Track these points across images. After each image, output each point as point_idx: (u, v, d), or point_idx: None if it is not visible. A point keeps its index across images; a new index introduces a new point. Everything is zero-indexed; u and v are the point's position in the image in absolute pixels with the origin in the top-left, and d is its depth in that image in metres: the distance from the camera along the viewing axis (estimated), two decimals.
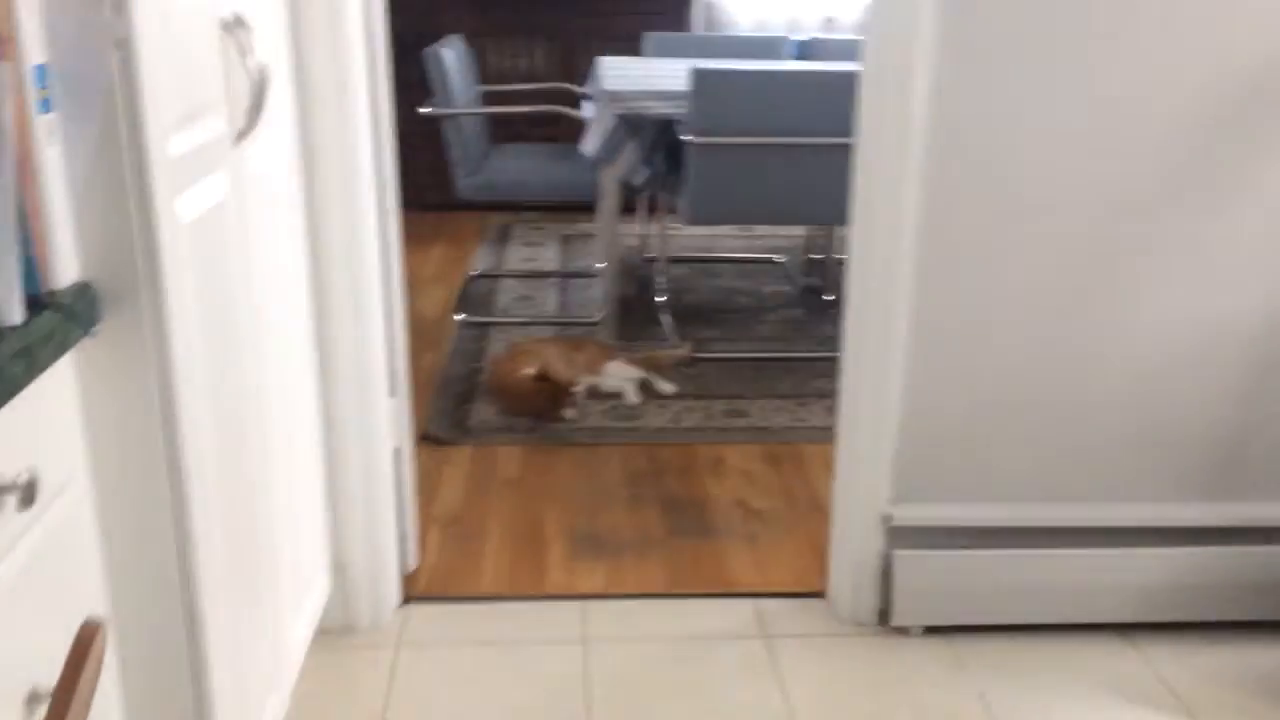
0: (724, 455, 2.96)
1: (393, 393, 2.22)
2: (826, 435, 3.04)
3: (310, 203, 1.94)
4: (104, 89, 1.14)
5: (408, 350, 2.31)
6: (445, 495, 2.72)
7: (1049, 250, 2.08)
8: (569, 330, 3.82)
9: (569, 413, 3.10)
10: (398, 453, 2.27)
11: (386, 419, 2.17)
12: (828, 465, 2.86)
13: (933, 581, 2.20)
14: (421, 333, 3.78)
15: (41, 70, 1.12)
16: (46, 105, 1.13)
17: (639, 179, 3.56)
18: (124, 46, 1.14)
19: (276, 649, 1.71)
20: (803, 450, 2.99)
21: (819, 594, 2.34)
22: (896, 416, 2.15)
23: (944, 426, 2.16)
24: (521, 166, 4.05)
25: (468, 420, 3.12)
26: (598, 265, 4.31)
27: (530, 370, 3.13)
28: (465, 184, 3.76)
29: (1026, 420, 2.17)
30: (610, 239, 3.71)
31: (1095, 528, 2.22)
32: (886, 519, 2.20)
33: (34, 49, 1.10)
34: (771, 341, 3.74)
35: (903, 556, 2.20)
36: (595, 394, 3.28)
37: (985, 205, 2.05)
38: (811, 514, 2.66)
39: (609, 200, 3.65)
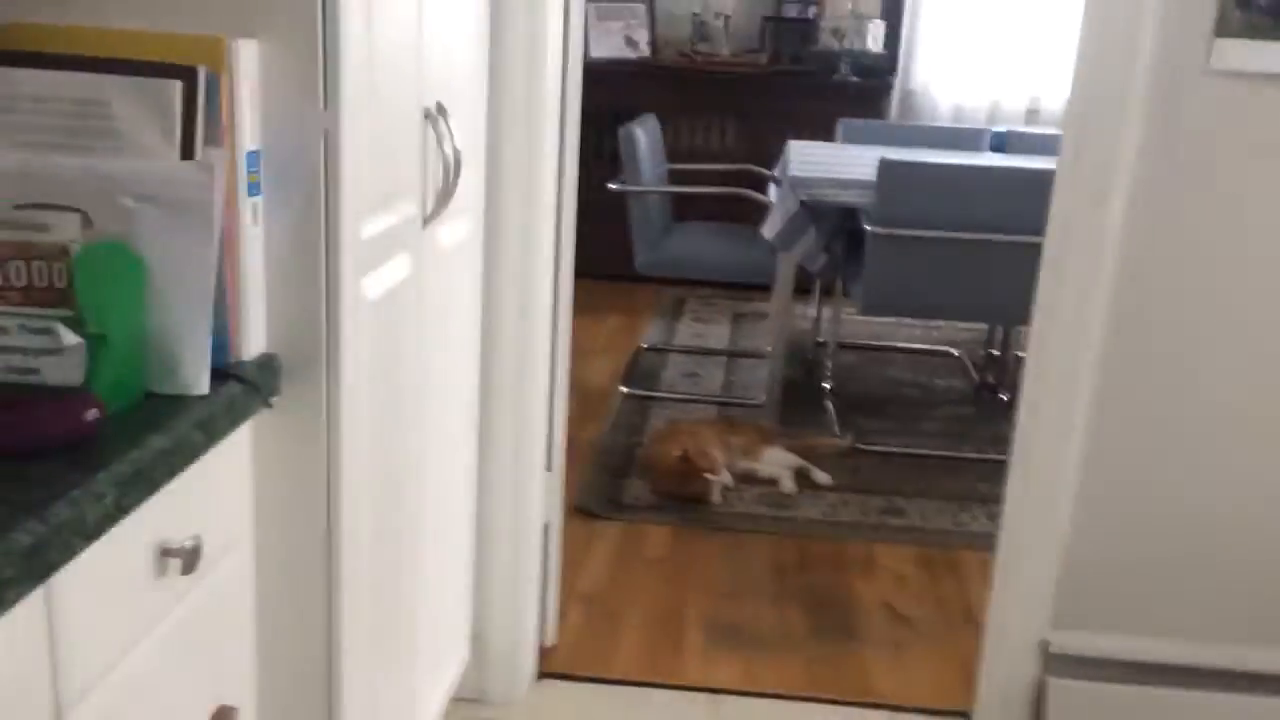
0: (876, 555, 2.89)
1: (549, 466, 2.26)
2: (987, 543, 2.94)
3: (487, 275, 2.01)
4: (309, 175, 1.22)
5: (567, 422, 2.35)
6: (590, 571, 2.75)
7: (1248, 369, 1.97)
8: (731, 410, 3.82)
9: (715, 497, 3.09)
10: (547, 527, 2.30)
11: (540, 493, 2.21)
12: (985, 576, 2.77)
13: (1091, 716, 2.09)
14: (585, 403, 3.85)
15: (253, 156, 1.21)
16: (255, 189, 1.22)
17: (816, 265, 3.55)
18: (331, 137, 1.21)
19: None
20: (960, 557, 2.89)
21: (964, 714, 2.25)
22: (1064, 533, 2.07)
23: (1116, 549, 2.07)
24: (701, 244, 4.10)
25: (621, 496, 3.15)
26: (767, 347, 4.30)
27: (677, 450, 3.13)
28: (645, 259, 3.82)
29: (1209, 551, 2.05)
30: (781, 322, 3.71)
31: (1275, 674, 2.07)
32: (1044, 644, 2.11)
33: (248, 136, 1.18)
34: (938, 439, 3.65)
35: (1059, 685, 2.09)
36: (750, 479, 3.26)
37: (1180, 317, 1.96)
38: (963, 627, 2.57)
39: (783, 283, 3.65)
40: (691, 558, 2.83)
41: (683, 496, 3.09)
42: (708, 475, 3.07)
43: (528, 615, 2.23)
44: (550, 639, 2.40)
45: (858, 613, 2.61)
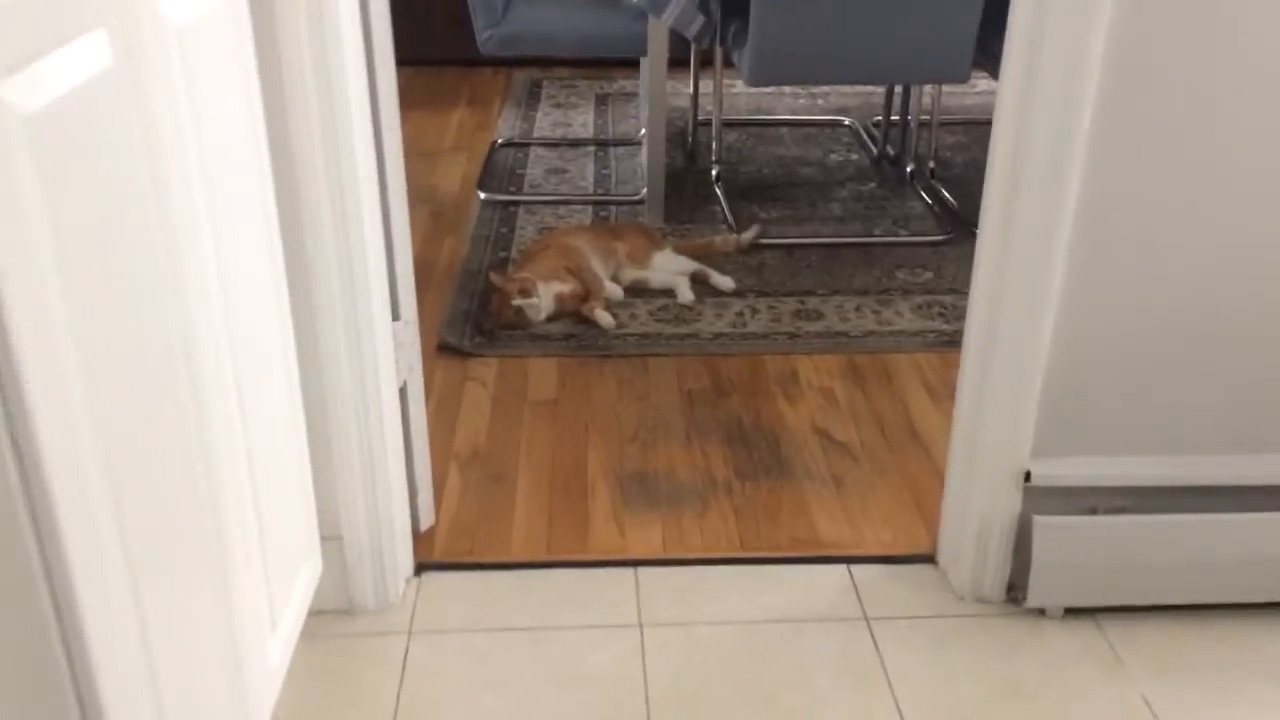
0: (797, 368, 2.48)
1: (396, 314, 1.75)
2: (918, 343, 2.56)
3: (263, 60, 1.43)
4: None
5: (411, 250, 1.82)
6: (466, 424, 2.27)
7: (1260, 131, 1.55)
8: (608, 210, 3.31)
9: (534, 318, 2.62)
10: (404, 389, 1.80)
11: (387, 347, 1.70)
12: (924, 383, 2.39)
13: (1081, 552, 1.75)
14: (440, 214, 3.29)
15: None
16: None
17: (693, 30, 2.99)
18: None
19: (236, 670, 1.28)
20: (890, 362, 2.51)
21: (928, 558, 1.90)
22: (1046, 347, 1.66)
23: (1106, 359, 1.68)
24: (553, 15, 3.47)
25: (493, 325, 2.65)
26: (640, 132, 3.76)
27: (516, 274, 2.66)
28: (487, 37, 3.20)
29: (1212, 349, 1.67)
30: (656, 102, 3.16)
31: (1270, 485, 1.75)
32: (1024, 476, 1.74)
33: None
34: (844, 223, 3.21)
35: (1044, 522, 1.74)
36: (642, 291, 2.79)
37: (1190, 63, 1.51)
38: (910, 448, 2.20)
39: (656, 56, 3.09)
40: (585, 395, 2.38)
41: (505, 325, 2.61)
42: (517, 301, 2.58)
43: (391, 499, 1.76)
44: (425, 521, 1.95)
45: (787, 444, 2.22)
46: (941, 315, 2.69)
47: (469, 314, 2.69)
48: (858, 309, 2.72)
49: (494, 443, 2.21)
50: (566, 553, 1.91)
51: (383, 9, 1.61)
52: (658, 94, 3.15)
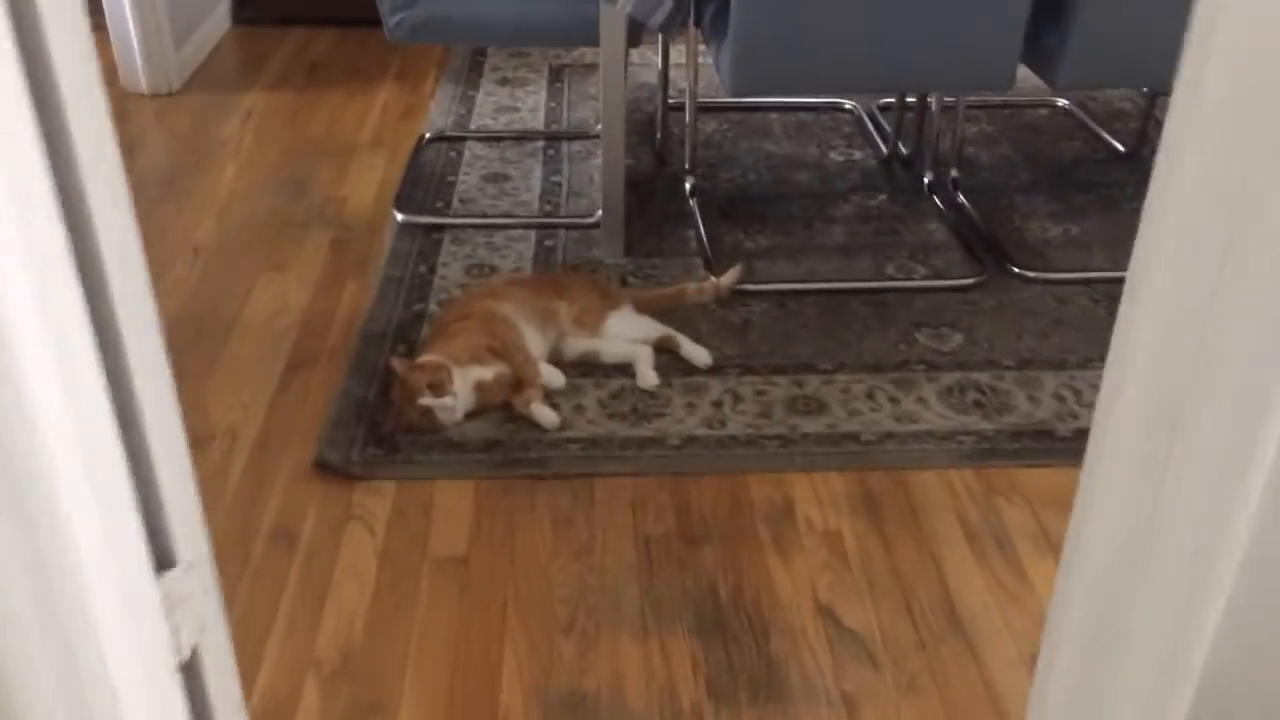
0: (793, 495, 1.87)
1: (169, 559, 1.11)
2: (949, 452, 1.91)
3: None
4: None
5: (182, 454, 1.19)
6: (339, 602, 1.66)
7: None
8: (554, 239, 2.66)
9: (447, 421, 1.98)
10: (194, 661, 1.18)
11: (153, 619, 1.07)
12: (961, 522, 1.78)
13: None
14: (344, 244, 2.64)
15: None
16: None
17: (657, 19, 2.32)
18: None
19: None
20: (913, 485, 1.90)
21: None
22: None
23: None
24: None
25: (395, 431, 2.02)
26: (598, 126, 3.10)
27: (423, 359, 2.02)
28: (396, 23, 2.51)
29: None
30: (612, 104, 2.49)
31: None
32: None
33: None
34: (849, 257, 2.58)
35: None
36: (592, 367, 2.17)
37: None
38: (946, 641, 1.60)
39: (610, 46, 2.42)
40: (508, 545, 1.77)
41: (408, 429, 1.99)
42: (425, 401, 1.95)
43: None
44: None
45: (780, 635, 1.62)
46: (978, 405, 2.08)
47: (363, 408, 2.06)
48: (869, 395, 2.10)
49: (374, 640, 1.60)
50: None
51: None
52: (613, 92, 2.48)
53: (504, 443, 1.97)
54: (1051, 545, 1.77)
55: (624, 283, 2.45)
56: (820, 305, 2.38)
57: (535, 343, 2.13)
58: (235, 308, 2.39)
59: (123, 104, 3.45)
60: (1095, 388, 2.11)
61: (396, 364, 1.98)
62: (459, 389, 1.97)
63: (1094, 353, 2.21)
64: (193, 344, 2.28)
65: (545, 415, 2.00)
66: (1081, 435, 2.00)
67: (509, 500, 1.85)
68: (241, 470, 1.92)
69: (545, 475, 1.91)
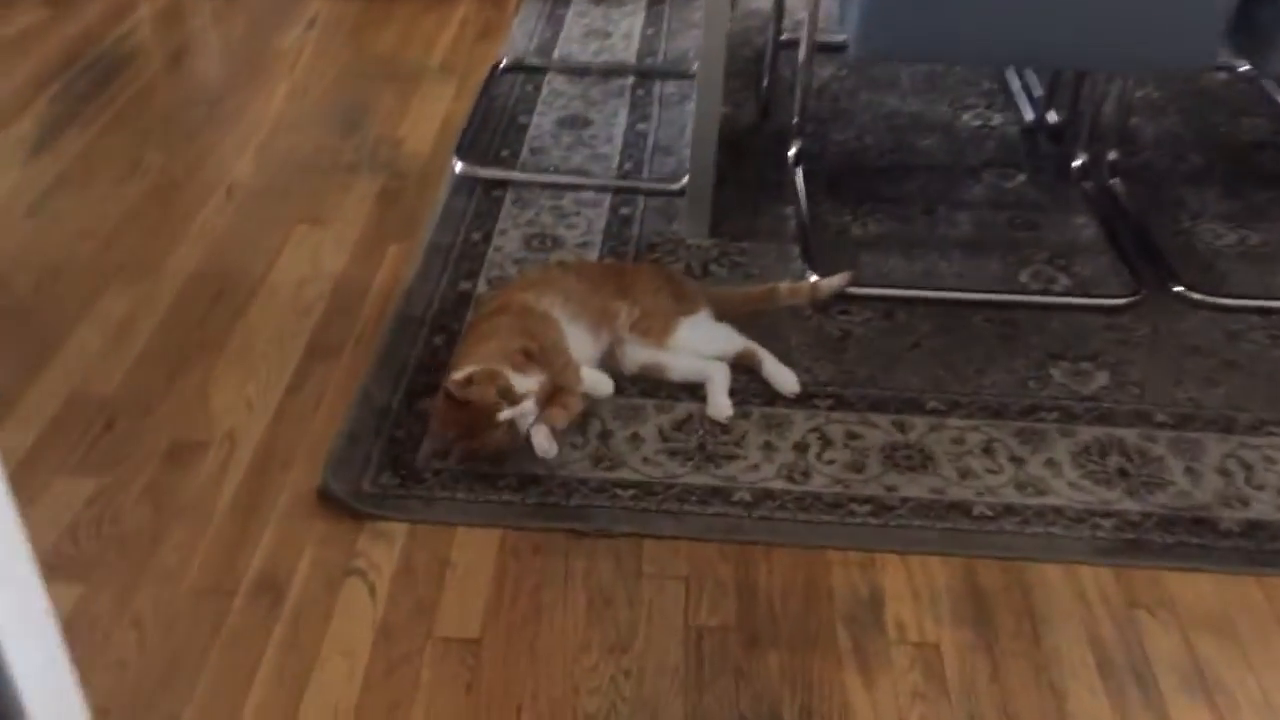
0: (882, 585, 1.53)
1: None
2: (1084, 543, 1.50)
3: None
4: None
5: None
6: (321, 688, 1.38)
7: None
8: (631, 206, 2.30)
9: (512, 442, 1.65)
10: None
11: None
12: (1092, 644, 1.44)
13: None
14: (395, 194, 2.32)
15: None
16: None
17: None
18: None
19: None
20: (1036, 582, 1.54)
21: None
22: None
23: None
24: None
25: (414, 452, 1.72)
26: (695, 65, 2.70)
27: (465, 371, 1.68)
28: None
29: None
30: (713, 30, 2.07)
31: None
32: None
33: None
34: (975, 254, 2.17)
35: None
36: (654, 384, 1.83)
37: None
38: None
39: None
40: (531, 626, 1.46)
41: (481, 456, 1.67)
42: (506, 414, 1.62)
43: None
44: None
45: None
46: (1122, 474, 1.69)
47: (384, 420, 1.76)
48: (987, 449, 1.73)
49: None
50: None
51: None
52: (715, 23, 2.06)
53: (542, 481, 1.66)
54: (1205, 688, 1.41)
55: (704, 273, 2.09)
56: (936, 319, 2.00)
57: (584, 347, 1.79)
58: (262, 268, 2.10)
59: (179, 1, 3.15)
60: (1271, 462, 1.71)
61: (453, 388, 1.63)
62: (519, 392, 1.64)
63: (1272, 414, 1.80)
64: (209, 311, 1.99)
65: (541, 442, 1.66)
66: (1254, 530, 1.61)
67: (539, 563, 1.54)
68: (234, 491, 1.64)
69: (586, 531, 1.59)
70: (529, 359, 1.70)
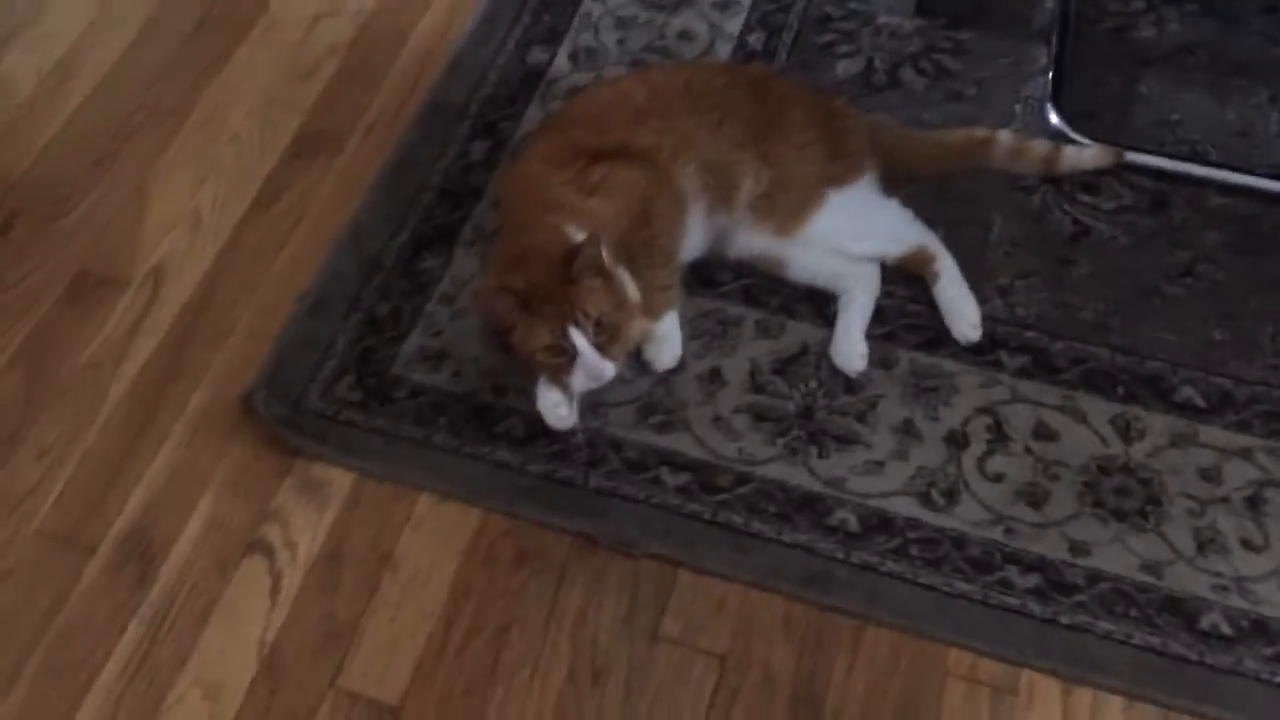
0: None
1: None
2: None
3: None
4: None
5: None
6: None
7: None
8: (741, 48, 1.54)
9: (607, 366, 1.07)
10: None
11: None
12: None
13: None
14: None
15: None
16: None
17: None
18: None
19: None
20: None
21: None
22: None
23: None
24: None
25: (399, 349, 1.19)
26: None
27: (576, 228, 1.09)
28: None
29: None
30: None
31: None
32: None
33: None
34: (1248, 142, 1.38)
35: None
36: (765, 282, 1.21)
37: None
38: None
39: None
40: (476, 706, 1.00)
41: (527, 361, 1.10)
42: (575, 337, 1.04)
43: None
44: None
45: None
46: None
47: (373, 278, 1.22)
48: (1253, 502, 1.09)
49: None
50: None
51: None
52: None
53: (559, 433, 1.13)
54: None
55: (891, 83, 1.38)
56: (1237, 226, 1.27)
57: (691, 233, 1.18)
58: None
59: None
60: None
61: (488, 293, 1.08)
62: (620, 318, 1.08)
63: None
64: (183, 48, 1.44)
65: (550, 408, 1.10)
66: None
67: (517, 584, 1.05)
68: (135, 377, 1.17)
69: (598, 540, 1.08)
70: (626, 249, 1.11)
